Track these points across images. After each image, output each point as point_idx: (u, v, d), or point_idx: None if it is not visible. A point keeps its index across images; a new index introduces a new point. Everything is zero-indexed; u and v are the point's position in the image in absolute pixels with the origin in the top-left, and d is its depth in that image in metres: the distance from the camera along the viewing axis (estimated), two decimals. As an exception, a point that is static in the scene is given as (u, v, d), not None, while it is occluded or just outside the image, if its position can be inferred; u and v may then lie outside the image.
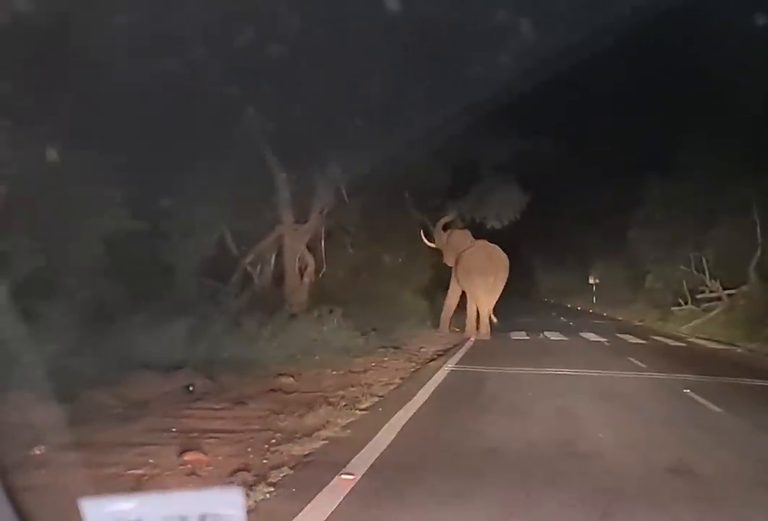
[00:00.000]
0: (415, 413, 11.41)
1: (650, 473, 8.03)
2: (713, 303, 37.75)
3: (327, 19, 17.22)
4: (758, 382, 16.94)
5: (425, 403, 12.45)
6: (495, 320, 30.37)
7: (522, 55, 21.45)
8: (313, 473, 7.51)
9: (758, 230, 33.74)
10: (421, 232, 32.03)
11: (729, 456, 9.23)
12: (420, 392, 13.64)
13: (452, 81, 21.27)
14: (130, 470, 7.27)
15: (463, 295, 31.20)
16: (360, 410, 11.49)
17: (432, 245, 32.04)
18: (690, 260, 38.37)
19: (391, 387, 14.34)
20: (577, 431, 10.51)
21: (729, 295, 36.52)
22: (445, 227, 32.36)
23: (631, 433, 10.66)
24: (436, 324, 30.92)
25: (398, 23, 17.85)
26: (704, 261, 37.53)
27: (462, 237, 31.43)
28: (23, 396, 8.94)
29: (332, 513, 6.19)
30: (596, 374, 17.52)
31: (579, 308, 63.98)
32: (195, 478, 7.19)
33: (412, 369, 17.50)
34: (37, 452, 7.67)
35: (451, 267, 31.76)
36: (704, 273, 37.82)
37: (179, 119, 16.84)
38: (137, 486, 6.82)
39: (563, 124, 37.21)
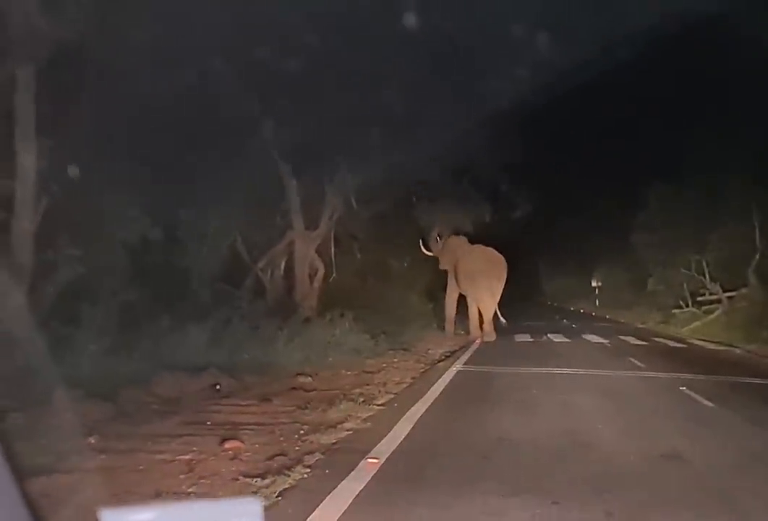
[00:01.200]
0: (428, 408, 12.18)
1: (644, 458, 8.85)
2: (713, 306, 38.25)
3: (340, 31, 17.68)
4: (753, 380, 17.58)
5: (437, 399, 13.22)
6: (504, 321, 31.03)
7: (527, 65, 22.07)
8: (342, 457, 8.34)
9: (757, 233, 34.16)
10: (420, 241, 32.78)
11: (716, 445, 10.01)
12: (431, 390, 14.39)
13: (460, 91, 21.81)
14: (178, 455, 8.09)
15: (462, 299, 31.90)
16: (377, 405, 12.29)
17: (429, 253, 32.79)
18: (691, 263, 38.83)
19: (404, 386, 15.10)
20: (579, 423, 11.29)
21: (729, 297, 37.02)
22: (441, 234, 33.16)
23: (629, 425, 11.43)
24: (443, 327, 31.56)
25: (407, 37, 18.41)
26: (705, 264, 38.01)
27: (458, 243, 32.12)
28: (70, 392, 9.70)
29: (363, 488, 7.03)
30: (598, 373, 18.22)
31: (582, 311, 64.37)
32: (238, 462, 8.02)
33: (422, 370, 18.19)
34: (92, 441, 8.47)
35: (451, 271, 32.50)
36: (705, 276, 38.33)
37: (194, 130, 17.52)
38: (188, 468, 7.65)
39: (567, 129, 37.79)
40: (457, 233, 32.70)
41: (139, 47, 14.42)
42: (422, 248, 32.69)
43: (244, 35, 16.22)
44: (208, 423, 10.16)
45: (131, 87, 14.87)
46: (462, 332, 31.24)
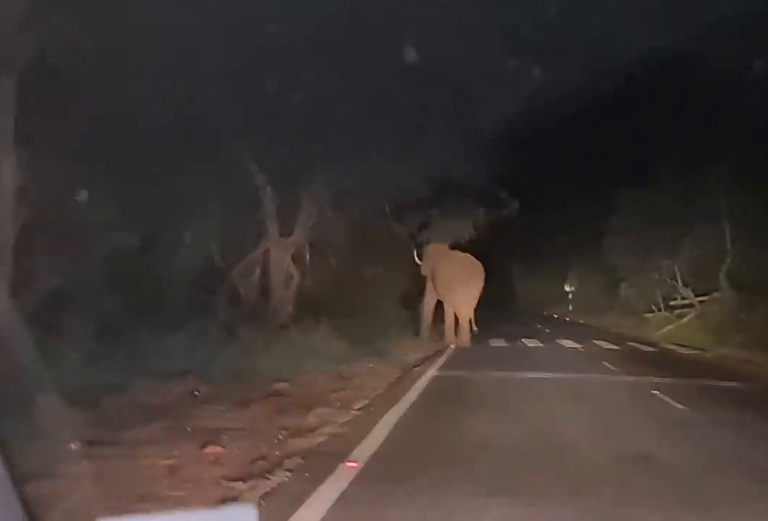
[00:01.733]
0: (405, 412, 12.36)
1: (617, 459, 9.08)
2: (686, 310, 38.67)
3: (324, 43, 17.77)
4: (723, 384, 17.90)
5: (413, 404, 13.39)
6: (475, 328, 31.29)
7: (505, 79, 22.31)
8: (322, 461, 8.47)
9: (728, 238, 34.56)
10: (414, 251, 33.15)
11: (686, 446, 10.30)
12: (407, 395, 14.57)
13: (436, 100, 21.94)
14: (160, 460, 8.21)
15: (439, 304, 32.18)
16: (354, 410, 12.44)
17: (420, 262, 33.18)
18: (663, 267, 39.16)
19: (380, 391, 15.23)
20: (553, 426, 11.52)
21: (701, 301, 37.43)
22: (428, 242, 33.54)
23: (602, 427, 11.70)
24: (418, 332, 31.73)
25: (392, 50, 18.56)
26: (677, 269, 38.36)
27: (437, 249, 32.47)
28: (51, 400, 9.79)
29: (344, 491, 7.18)
30: (571, 377, 18.48)
31: (556, 315, 64.68)
32: (219, 466, 8.16)
33: (398, 375, 18.31)
34: (74, 447, 8.57)
35: (427, 278, 32.80)
36: (677, 280, 38.69)
37: (170, 140, 17.60)
38: (171, 473, 7.78)
39: (540, 134, 37.94)
40: (441, 241, 33.02)
41: (117, 57, 14.49)
42: (416, 258, 33.08)
43: (223, 46, 16.29)
44: (189, 428, 10.27)
45: (109, 97, 14.93)
46: (437, 338, 31.41)
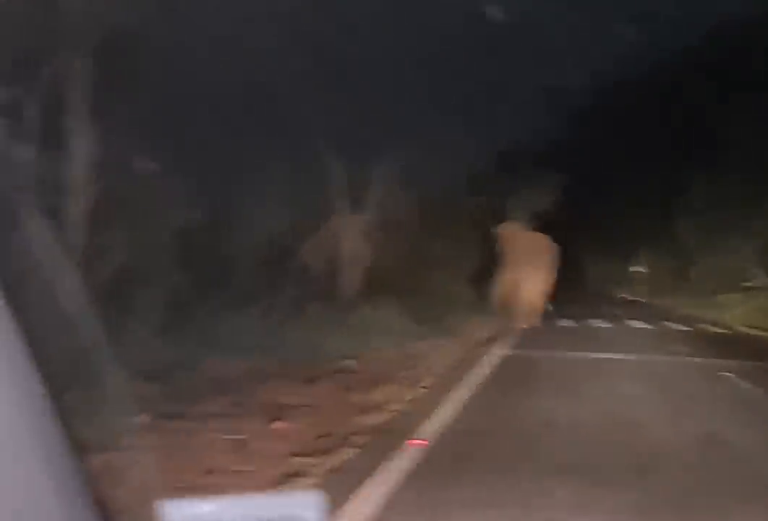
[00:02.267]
0: (473, 391, 12.29)
1: (686, 439, 8.93)
2: (758, 291, 38.07)
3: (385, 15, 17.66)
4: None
5: (481, 383, 13.31)
6: (550, 307, 31.16)
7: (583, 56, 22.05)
8: (389, 438, 8.46)
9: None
10: (497, 227, 33.04)
11: (757, 426, 10.08)
12: (475, 373, 14.48)
13: (508, 76, 21.77)
14: (228, 435, 8.25)
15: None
16: (422, 388, 12.44)
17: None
18: (735, 248, 38.60)
19: (448, 369, 15.18)
20: (623, 406, 11.35)
21: (774, 283, 36.90)
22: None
23: (672, 408, 11.49)
24: (488, 311, 31.57)
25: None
26: (750, 249, 37.78)
27: (512, 228, 32.30)
28: (121, 374, 9.88)
29: (409, 469, 7.14)
30: (641, 358, 18.27)
31: (625, 296, 64.13)
32: (286, 442, 8.17)
33: (466, 353, 18.23)
34: (144, 420, 8.65)
35: (500, 255, 32.62)
36: (749, 261, 38.11)
37: (239, 116, 17.68)
38: (238, 447, 7.80)
39: (611, 111, 37.53)
40: (519, 215, 32.91)
41: (188, 33, 14.54)
42: (498, 230, 32.97)
43: (293, 20, 16.27)
44: (256, 404, 10.32)
45: (180, 74, 15.00)
46: (509, 317, 31.25)
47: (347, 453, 7.72)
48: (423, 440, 8.33)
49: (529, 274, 30.76)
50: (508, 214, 33.28)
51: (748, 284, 38.89)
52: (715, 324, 32.13)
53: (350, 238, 25.26)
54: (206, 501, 1.93)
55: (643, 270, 66.30)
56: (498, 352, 18.56)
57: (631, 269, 68.07)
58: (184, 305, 14.77)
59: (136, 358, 10.68)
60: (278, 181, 20.24)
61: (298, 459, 7.45)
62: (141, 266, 14.37)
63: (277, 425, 8.81)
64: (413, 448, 7.97)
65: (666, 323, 31.58)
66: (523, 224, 32.70)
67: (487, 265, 33.53)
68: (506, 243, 32.03)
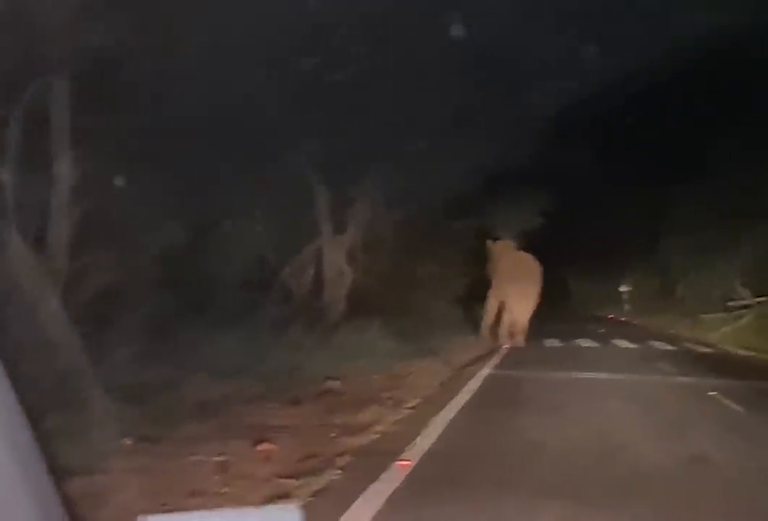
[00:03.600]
0: (458, 411, 12.27)
1: (673, 461, 8.91)
2: (744, 311, 38.15)
3: (372, 38, 17.68)
4: (784, 386, 17.63)
5: (467, 403, 13.29)
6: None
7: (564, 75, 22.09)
8: (373, 459, 8.43)
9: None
10: (488, 243, 33.00)
11: (745, 449, 10.03)
12: (461, 393, 14.45)
13: (485, 93, 21.73)
14: (212, 457, 8.20)
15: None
16: (407, 409, 12.40)
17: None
18: (721, 268, 38.73)
19: (433, 390, 15.16)
20: (609, 427, 11.35)
21: (760, 302, 36.92)
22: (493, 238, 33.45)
23: (658, 428, 11.46)
24: (472, 332, 31.51)
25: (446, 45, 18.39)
26: (736, 269, 37.90)
27: (504, 247, 32.32)
28: (104, 396, 9.83)
29: (395, 489, 7.10)
30: (627, 377, 18.25)
31: (611, 315, 64.09)
32: (271, 463, 8.13)
33: (451, 374, 18.20)
34: (128, 442, 8.59)
35: (488, 277, 32.64)
36: (735, 280, 38.22)
37: (222, 137, 17.66)
38: (222, 469, 7.75)
39: (596, 130, 37.63)
40: (506, 236, 33.00)
41: (172, 53, 14.52)
42: (489, 246, 32.96)
43: (273, 43, 16.24)
44: (240, 426, 10.26)
45: (163, 94, 14.96)
46: (494, 338, 31.24)
47: (332, 475, 7.67)
48: (408, 461, 8.28)
49: (515, 294, 30.76)
50: (495, 233, 33.34)
51: (734, 303, 38.97)
52: (701, 344, 32.18)
53: (334, 259, 25.22)
54: (187, 516, 1.99)
55: (630, 290, 66.42)
56: (484, 372, 18.55)
57: (618, 288, 68.15)
58: (167, 327, 14.68)
59: (119, 380, 10.64)
60: (262, 201, 20.23)
61: (282, 481, 7.41)
62: (123, 287, 14.30)
63: (262, 447, 8.76)
64: (399, 469, 7.93)
65: (652, 342, 31.61)
66: (511, 243, 32.77)
67: (471, 285, 33.59)
68: (495, 261, 32.06)
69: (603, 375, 18.46)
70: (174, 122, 14.99)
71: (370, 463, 8.21)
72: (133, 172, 14.61)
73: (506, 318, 31.19)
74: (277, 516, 1.99)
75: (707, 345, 31.38)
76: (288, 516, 1.94)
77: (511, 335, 30.76)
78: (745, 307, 37.83)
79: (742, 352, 28.47)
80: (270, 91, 17.36)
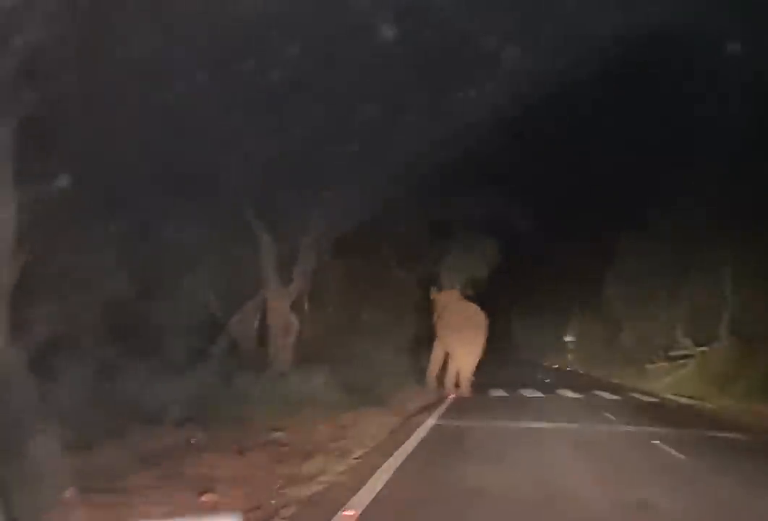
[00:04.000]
0: (404, 461, 12.23)
1: (619, 508, 8.99)
2: (686, 360, 38.58)
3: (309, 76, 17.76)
4: (724, 434, 17.82)
5: (412, 453, 13.27)
6: (473, 378, 31.28)
7: (495, 113, 22.27)
8: (318, 510, 8.39)
9: (729, 287, 34.55)
10: (432, 289, 33.01)
11: (687, 495, 10.20)
12: (407, 443, 14.44)
13: (429, 142, 21.91)
14: (156, 508, 8.11)
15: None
16: (353, 459, 12.37)
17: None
18: (663, 317, 39.20)
19: (379, 439, 15.13)
20: (554, 476, 11.41)
21: (701, 352, 37.37)
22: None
23: (603, 476, 11.58)
24: (418, 381, 31.47)
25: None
26: (677, 318, 38.38)
27: (448, 296, 32.42)
28: (47, 445, 9.70)
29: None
30: (572, 427, 18.38)
31: (555, 365, 64.54)
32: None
33: (398, 423, 18.19)
34: (68, 494, 8.47)
35: (433, 325, 32.69)
36: (677, 330, 38.69)
37: (165, 187, 17.68)
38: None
39: (540, 181, 38.12)
40: (451, 286, 33.04)
41: (112, 103, 14.51)
42: (432, 294, 32.95)
43: (216, 85, 16.27)
44: (185, 476, 10.18)
45: (106, 143, 14.93)
46: (440, 388, 31.25)
47: (277, 526, 7.65)
48: (353, 511, 8.27)
49: (461, 343, 30.83)
50: (441, 282, 33.44)
51: (676, 353, 39.42)
52: (644, 393, 32.51)
53: (279, 308, 25.15)
54: None
55: (575, 339, 66.87)
56: (429, 422, 18.56)
57: (563, 338, 68.62)
58: (113, 376, 14.56)
59: (63, 430, 10.51)
60: (208, 252, 20.19)
61: (227, 533, 7.35)
62: (69, 337, 14.19)
63: (207, 497, 8.69)
64: (344, 520, 7.92)
65: (597, 392, 31.86)
66: (457, 293, 32.86)
67: (418, 334, 33.64)
68: (440, 311, 32.14)
69: (548, 425, 18.55)
70: (121, 173, 14.99)
71: (316, 514, 8.17)
72: (78, 222, 14.58)
73: (452, 368, 31.22)
74: None
75: (651, 395, 31.64)
76: None
77: (457, 384, 30.80)
78: (687, 356, 38.28)
79: (684, 401, 28.78)
80: (210, 140, 17.36)
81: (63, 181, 13.95)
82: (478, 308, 32.18)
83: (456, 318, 31.10)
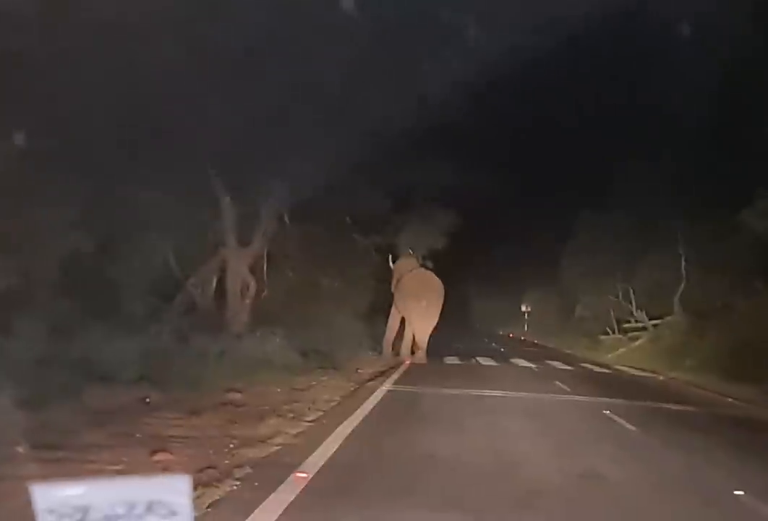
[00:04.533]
0: (357, 425, 12.29)
1: (566, 477, 9.10)
2: (639, 333, 39.03)
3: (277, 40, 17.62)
4: (674, 407, 18.06)
5: (366, 417, 13.35)
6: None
7: (458, 87, 22.25)
8: (272, 471, 8.41)
9: (683, 262, 34.89)
10: (390, 257, 32.93)
11: (635, 466, 10.33)
12: (360, 408, 14.50)
13: (391, 111, 21.84)
14: (108, 466, 8.12)
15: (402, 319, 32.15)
16: (307, 422, 12.40)
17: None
18: (618, 290, 39.55)
19: (333, 404, 15.18)
20: (505, 443, 11.52)
21: (654, 325, 37.80)
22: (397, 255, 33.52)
23: (553, 446, 11.68)
24: (373, 347, 31.59)
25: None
26: (631, 292, 38.74)
27: (406, 263, 32.43)
28: (3, 401, 9.65)
29: (292, 501, 7.13)
30: (524, 395, 18.54)
31: (511, 335, 65.01)
32: (168, 473, 8.05)
33: (352, 388, 18.27)
34: (20, 450, 8.45)
35: (391, 292, 32.76)
36: (631, 304, 39.05)
37: (129, 145, 17.53)
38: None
39: (501, 154, 38.25)
40: (410, 253, 32.99)
41: (76, 57, 14.33)
42: (390, 263, 32.89)
43: (186, 47, 16.12)
44: (138, 435, 10.18)
45: (69, 99, 14.77)
46: (395, 354, 31.39)
47: (230, 486, 7.66)
48: (305, 473, 8.32)
49: (417, 310, 30.97)
50: (399, 250, 33.46)
51: (629, 325, 39.85)
52: (597, 364, 32.85)
53: (238, 271, 25.11)
54: (77, 483, 1.99)
55: (531, 310, 67.33)
56: (384, 387, 18.65)
57: (522, 309, 69.06)
58: (68, 333, 14.48)
59: (16, 386, 10.46)
60: (169, 212, 20.06)
61: (179, 491, 7.35)
62: (24, 292, 14.08)
63: (160, 456, 8.69)
64: (296, 481, 7.97)
65: (550, 362, 32.14)
66: (414, 261, 32.89)
67: (376, 301, 33.71)
68: (397, 278, 32.20)
69: (501, 393, 18.71)
70: (83, 128, 14.84)
71: (269, 475, 8.20)
72: (37, 176, 14.44)
73: (408, 334, 31.38)
74: (168, 484, 2.05)
75: (603, 366, 32.00)
76: (178, 484, 2.03)
77: (412, 351, 30.96)
78: (640, 330, 38.73)
79: (636, 372, 29.14)
80: (177, 100, 17.21)
81: (22, 137, 13.83)
82: (434, 276, 32.30)
83: (413, 285, 31.22)
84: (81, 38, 13.86)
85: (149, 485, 2.07)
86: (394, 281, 32.65)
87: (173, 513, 1.96)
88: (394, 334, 32.28)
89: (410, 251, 33.39)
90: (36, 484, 1.95)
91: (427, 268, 32.96)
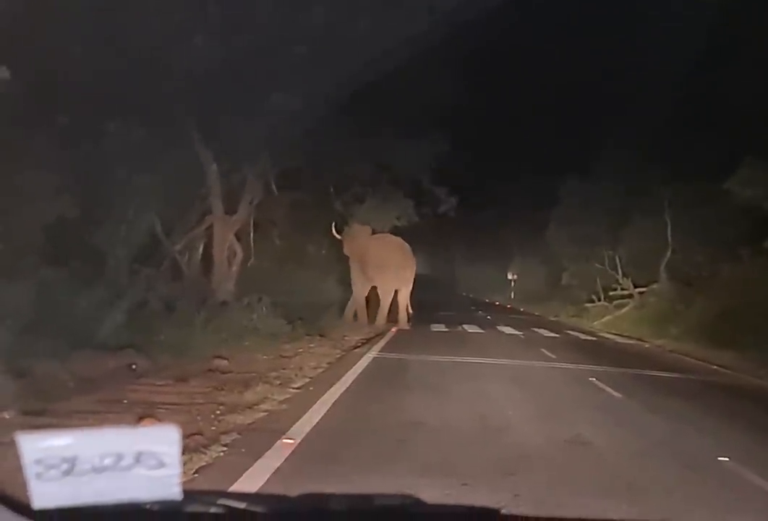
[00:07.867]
0: (344, 392, 12.36)
1: (552, 443, 9.17)
2: (625, 300, 39.13)
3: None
4: (660, 374, 18.14)
5: (353, 384, 13.42)
6: (410, 310, 31.41)
7: (439, 47, 22.11)
8: (258, 437, 8.46)
9: (669, 230, 34.89)
10: (333, 225, 32.21)
11: (620, 432, 10.40)
12: (347, 374, 14.57)
13: (376, 81, 21.72)
14: (95, 431, 8.12)
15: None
16: (293, 388, 12.45)
17: (338, 236, 32.07)
18: (604, 258, 39.60)
19: (320, 370, 15.25)
20: (491, 409, 11.58)
21: (640, 293, 37.89)
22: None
23: (538, 412, 11.74)
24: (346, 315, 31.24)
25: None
26: (617, 259, 38.80)
27: (363, 231, 31.58)
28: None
29: (278, 467, 7.16)
30: (509, 362, 18.58)
31: (497, 303, 64.99)
32: (155, 439, 8.07)
33: (338, 355, 18.34)
34: (6, 416, 8.47)
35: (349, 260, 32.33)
36: (617, 271, 39.14)
37: (115, 111, 17.43)
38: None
39: (484, 121, 38.16)
40: (366, 223, 32.35)
41: (63, 25, 14.24)
42: (333, 230, 32.15)
43: (174, 17, 16.05)
44: (125, 401, 10.23)
45: (55, 64, 14.67)
46: (370, 321, 31.15)
47: (217, 452, 7.69)
48: (292, 439, 8.35)
49: (394, 277, 30.57)
50: (363, 217, 32.53)
51: (615, 293, 39.97)
52: (583, 331, 32.96)
53: (224, 238, 25.06)
54: (64, 433, 1.95)
55: (517, 278, 67.40)
56: (370, 354, 18.72)
57: (508, 276, 69.11)
58: (53, 299, 14.43)
59: (1, 354, 10.46)
60: (155, 179, 19.96)
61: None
62: (9, 258, 14.00)
63: (146, 422, 8.69)
64: (283, 447, 8.00)
65: (536, 329, 32.20)
66: (368, 229, 31.93)
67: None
68: (362, 247, 31.26)
69: (487, 360, 18.77)
70: (67, 96, 14.74)
71: (256, 440, 8.24)
72: (23, 142, 14.36)
73: (384, 301, 31.06)
74: (156, 436, 2.02)
75: (589, 333, 32.12)
76: (166, 435, 1.99)
77: (390, 319, 30.73)
78: (626, 297, 38.87)
79: (621, 340, 29.28)
80: (164, 67, 17.13)
81: (7, 102, 13.70)
82: (402, 240, 31.87)
83: (383, 252, 30.49)
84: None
85: (138, 435, 2.04)
86: (349, 247, 31.74)
87: (161, 465, 1.95)
88: (363, 301, 31.72)
89: (372, 215, 32.43)
90: (23, 434, 1.89)
91: (402, 235, 32.40)
